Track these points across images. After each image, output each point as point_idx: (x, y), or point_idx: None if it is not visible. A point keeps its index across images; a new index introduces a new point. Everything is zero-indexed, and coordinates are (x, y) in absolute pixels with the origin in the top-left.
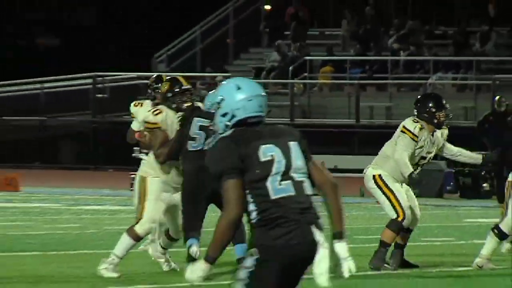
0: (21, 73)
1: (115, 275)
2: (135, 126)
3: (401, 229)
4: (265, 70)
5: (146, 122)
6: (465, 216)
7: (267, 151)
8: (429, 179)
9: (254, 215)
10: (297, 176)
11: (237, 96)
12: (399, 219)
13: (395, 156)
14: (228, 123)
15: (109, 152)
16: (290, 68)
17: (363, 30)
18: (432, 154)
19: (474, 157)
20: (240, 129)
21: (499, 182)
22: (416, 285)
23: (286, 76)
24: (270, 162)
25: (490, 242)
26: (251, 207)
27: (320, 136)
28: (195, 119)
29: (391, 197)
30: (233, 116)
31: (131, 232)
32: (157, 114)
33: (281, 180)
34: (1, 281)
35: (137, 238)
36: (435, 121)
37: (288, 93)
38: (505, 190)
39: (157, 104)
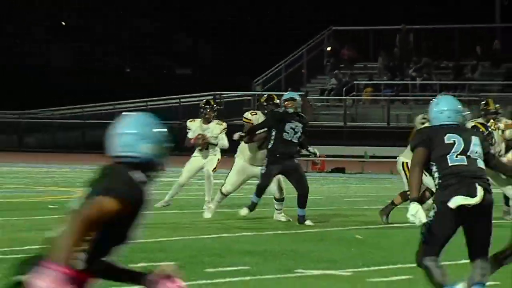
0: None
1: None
2: (190, 135)
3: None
4: (327, 90)
5: (244, 118)
6: None
7: (451, 137)
8: None
9: (436, 181)
10: (472, 155)
11: (433, 108)
12: None
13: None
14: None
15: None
16: (344, 89)
17: (392, 64)
18: None
19: None
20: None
21: None
22: None
23: (341, 94)
24: (451, 144)
25: None
26: (436, 174)
27: (364, 135)
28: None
29: None
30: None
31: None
32: (253, 115)
33: (458, 155)
34: None
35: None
36: None
37: (342, 106)
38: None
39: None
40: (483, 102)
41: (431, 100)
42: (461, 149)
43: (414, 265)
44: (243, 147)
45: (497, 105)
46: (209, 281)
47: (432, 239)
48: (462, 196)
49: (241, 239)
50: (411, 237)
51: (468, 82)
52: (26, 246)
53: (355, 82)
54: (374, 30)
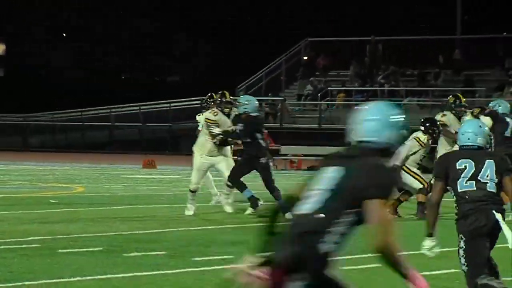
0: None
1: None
2: (200, 128)
3: (428, 192)
4: (304, 95)
5: (207, 119)
6: None
7: (463, 163)
8: None
9: (455, 204)
10: (483, 180)
11: (460, 129)
12: (425, 186)
13: (398, 160)
14: None
15: None
16: (319, 94)
17: (363, 72)
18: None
19: None
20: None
21: None
22: None
23: (316, 99)
24: (462, 170)
25: None
26: (453, 196)
27: (337, 136)
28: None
29: (416, 176)
30: None
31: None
32: (215, 115)
33: (467, 181)
34: (142, 220)
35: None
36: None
37: (317, 110)
38: None
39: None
40: (451, 96)
41: (399, 105)
42: (470, 174)
43: None
44: (200, 143)
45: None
46: (196, 269)
47: (475, 268)
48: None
49: (226, 230)
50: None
51: (431, 88)
52: (29, 237)
53: (329, 88)
54: (346, 41)
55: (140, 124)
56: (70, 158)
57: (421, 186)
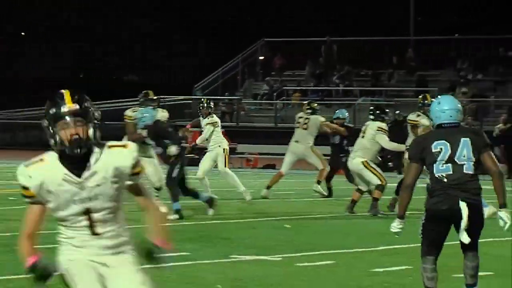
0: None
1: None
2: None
3: (384, 189)
4: (260, 95)
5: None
6: None
7: (438, 145)
8: None
9: (429, 185)
10: (459, 161)
11: (435, 108)
12: (383, 183)
13: (387, 146)
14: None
15: None
16: (275, 94)
17: (318, 72)
18: None
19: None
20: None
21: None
22: None
23: (272, 98)
24: (438, 152)
25: None
26: (428, 179)
27: (293, 135)
28: None
29: (376, 172)
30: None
31: None
32: (134, 111)
33: (444, 164)
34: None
35: None
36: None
37: (273, 109)
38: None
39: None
40: (421, 96)
41: (352, 104)
42: (447, 156)
43: (337, 251)
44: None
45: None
46: (153, 266)
47: (426, 241)
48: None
49: (182, 228)
50: (333, 227)
51: (385, 88)
52: None
53: (284, 88)
54: (302, 41)
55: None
56: (30, 156)
57: (379, 182)
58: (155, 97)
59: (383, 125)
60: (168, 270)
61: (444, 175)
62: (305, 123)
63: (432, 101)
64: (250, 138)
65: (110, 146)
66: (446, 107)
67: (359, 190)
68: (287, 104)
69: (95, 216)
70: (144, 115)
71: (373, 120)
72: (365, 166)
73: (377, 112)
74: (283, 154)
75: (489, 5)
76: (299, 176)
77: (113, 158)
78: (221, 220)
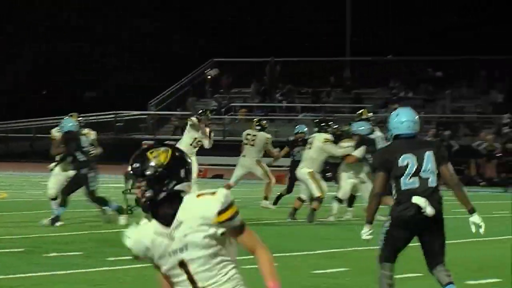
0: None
1: None
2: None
3: (322, 201)
4: (209, 110)
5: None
6: None
7: (405, 159)
8: None
9: (394, 197)
10: (424, 175)
11: (394, 119)
12: (322, 196)
13: (337, 153)
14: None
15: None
16: (223, 110)
17: (262, 89)
18: None
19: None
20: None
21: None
22: None
23: (220, 114)
24: (405, 166)
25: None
26: (394, 191)
27: (240, 147)
28: None
29: (317, 184)
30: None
31: None
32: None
33: (410, 177)
34: None
35: None
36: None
37: (222, 124)
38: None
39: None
40: (358, 112)
41: (294, 120)
42: (413, 170)
43: (281, 254)
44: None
45: (370, 114)
46: (110, 268)
47: (387, 248)
48: (423, 200)
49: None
50: (278, 232)
51: (324, 105)
52: None
53: (231, 104)
54: (248, 61)
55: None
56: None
57: (318, 195)
58: (78, 118)
59: (328, 136)
60: (122, 272)
61: (410, 189)
62: (253, 140)
63: (368, 115)
64: (201, 150)
65: (198, 195)
66: (404, 119)
67: (299, 199)
68: (234, 119)
69: (192, 267)
70: (62, 125)
71: (318, 132)
72: (310, 177)
73: (322, 124)
74: (231, 165)
75: (419, 28)
76: (248, 185)
77: (198, 207)
78: None
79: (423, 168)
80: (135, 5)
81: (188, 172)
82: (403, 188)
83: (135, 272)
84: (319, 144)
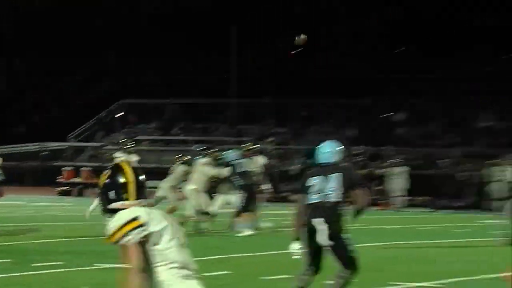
0: None
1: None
2: None
3: (188, 220)
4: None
5: None
6: None
7: (313, 180)
8: None
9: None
10: (326, 192)
11: (320, 150)
12: (190, 217)
13: (214, 174)
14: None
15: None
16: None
17: (162, 125)
18: None
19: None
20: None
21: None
22: None
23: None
24: (312, 186)
25: None
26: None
27: (144, 172)
28: None
29: (193, 204)
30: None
31: None
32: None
33: (315, 194)
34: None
35: None
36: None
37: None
38: None
39: None
40: (246, 144)
41: (189, 149)
42: (317, 189)
43: (234, 256)
44: None
45: (256, 146)
46: (36, 272)
47: (306, 259)
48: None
49: (58, 243)
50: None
51: (213, 138)
52: None
53: (136, 138)
54: (151, 102)
55: None
56: None
57: (189, 214)
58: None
59: (207, 160)
60: (48, 276)
61: (314, 203)
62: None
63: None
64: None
65: None
66: (326, 150)
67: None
68: (140, 150)
69: None
70: None
71: (200, 158)
72: (191, 195)
73: (204, 149)
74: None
75: (295, 74)
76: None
77: None
78: (90, 237)
79: (326, 187)
80: None
81: None
82: (309, 202)
83: (55, 274)
84: (200, 168)
